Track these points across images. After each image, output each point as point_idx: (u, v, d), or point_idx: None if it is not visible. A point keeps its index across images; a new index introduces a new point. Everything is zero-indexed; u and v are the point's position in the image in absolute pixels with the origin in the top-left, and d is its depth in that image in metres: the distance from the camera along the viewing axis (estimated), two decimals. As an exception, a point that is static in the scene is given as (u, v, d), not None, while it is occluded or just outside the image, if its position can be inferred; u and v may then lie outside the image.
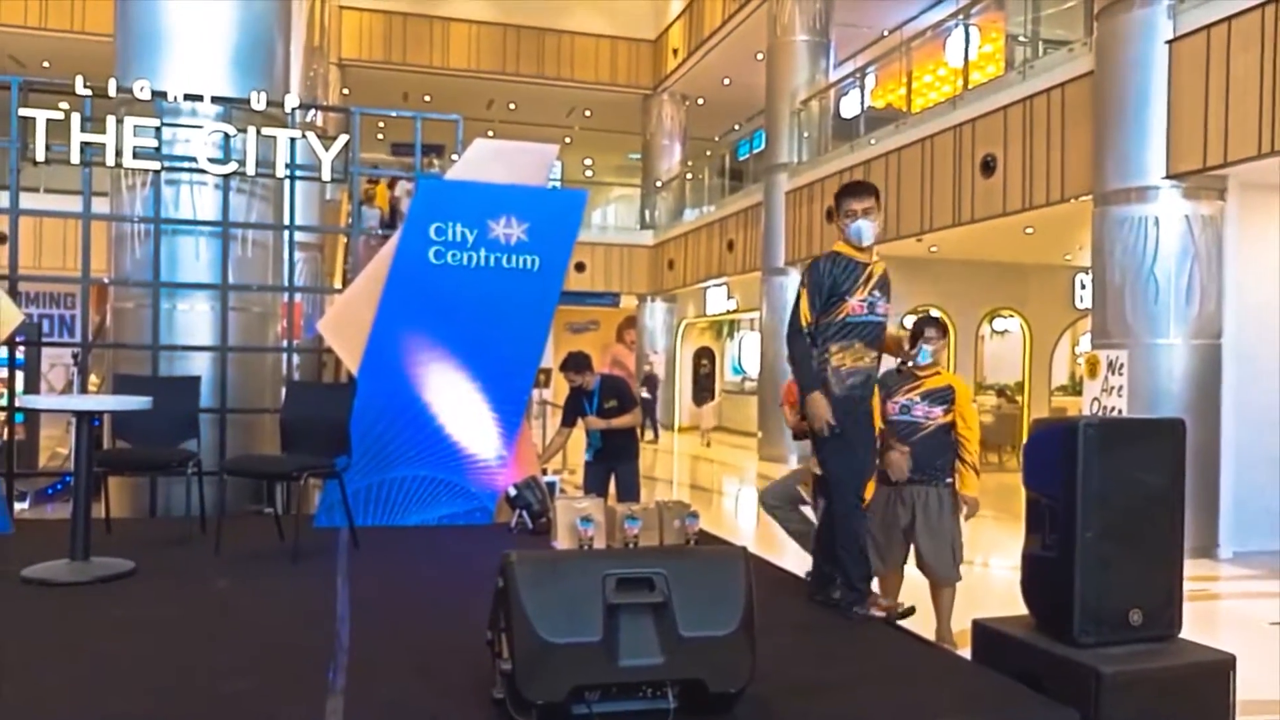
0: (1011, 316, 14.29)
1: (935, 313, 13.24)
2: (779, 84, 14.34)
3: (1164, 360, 7.36)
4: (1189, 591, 3.32)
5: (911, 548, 4.42)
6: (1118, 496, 3.10)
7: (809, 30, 14.08)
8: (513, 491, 5.38)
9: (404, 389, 5.41)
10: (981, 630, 3.39)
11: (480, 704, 2.69)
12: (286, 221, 6.03)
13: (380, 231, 9.16)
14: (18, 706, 2.74)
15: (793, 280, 14.22)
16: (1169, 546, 3.21)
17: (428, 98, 20.27)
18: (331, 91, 13.74)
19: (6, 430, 5.98)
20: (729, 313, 19.28)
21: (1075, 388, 14.34)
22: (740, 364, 20.08)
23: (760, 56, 15.32)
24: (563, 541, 4.77)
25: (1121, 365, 7.50)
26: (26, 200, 5.84)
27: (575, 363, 6.05)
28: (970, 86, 10.55)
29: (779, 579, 4.41)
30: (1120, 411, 7.41)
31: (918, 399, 4.38)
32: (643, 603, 2.59)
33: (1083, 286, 13.56)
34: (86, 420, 4.26)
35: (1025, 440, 3.55)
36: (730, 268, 16.44)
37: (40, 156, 5.42)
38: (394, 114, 10.57)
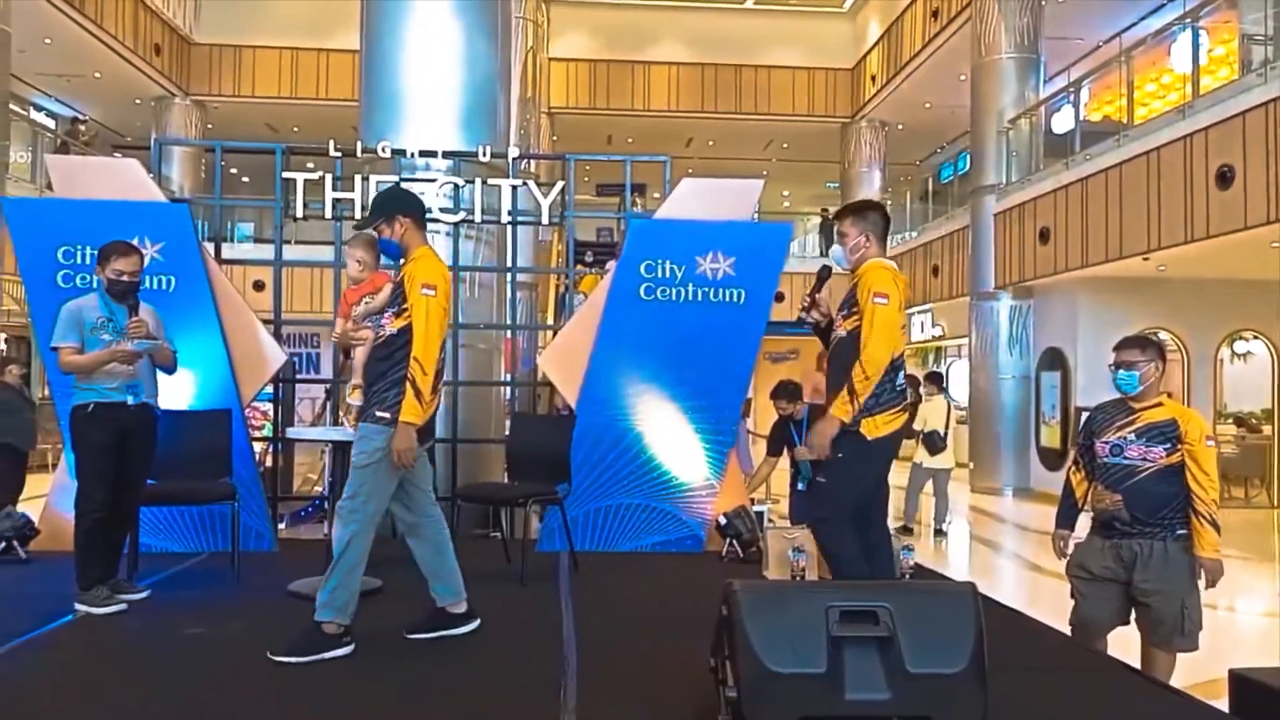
0: (1255, 338, 13.03)
1: (1164, 335, 12.39)
2: (984, 104, 13.86)
3: None
4: None
5: (1130, 610, 3.76)
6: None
7: (1016, 47, 13.54)
8: (723, 520, 5.46)
9: (619, 420, 5.63)
10: (1241, 681, 3.13)
11: (707, 728, 2.76)
12: (509, 264, 6.44)
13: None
14: (279, 703, 3.08)
15: (1004, 305, 13.61)
16: None
17: (630, 139, 20.95)
18: (542, 138, 14.50)
19: (269, 458, 6.68)
20: (934, 339, 18.62)
21: (1338, 417, 12.86)
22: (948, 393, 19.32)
23: (964, 78, 14.85)
24: (774, 571, 4.79)
25: (1397, 392, 6.69)
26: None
27: (787, 391, 6.11)
28: (1201, 94, 9.80)
29: (1004, 616, 4.24)
30: (1397, 444, 6.60)
31: (1132, 437, 3.71)
32: (868, 636, 2.57)
33: (1344, 304, 12.19)
34: (342, 449, 4.71)
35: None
36: (935, 293, 15.94)
37: (299, 214, 6.05)
38: (605, 158, 11.01)
